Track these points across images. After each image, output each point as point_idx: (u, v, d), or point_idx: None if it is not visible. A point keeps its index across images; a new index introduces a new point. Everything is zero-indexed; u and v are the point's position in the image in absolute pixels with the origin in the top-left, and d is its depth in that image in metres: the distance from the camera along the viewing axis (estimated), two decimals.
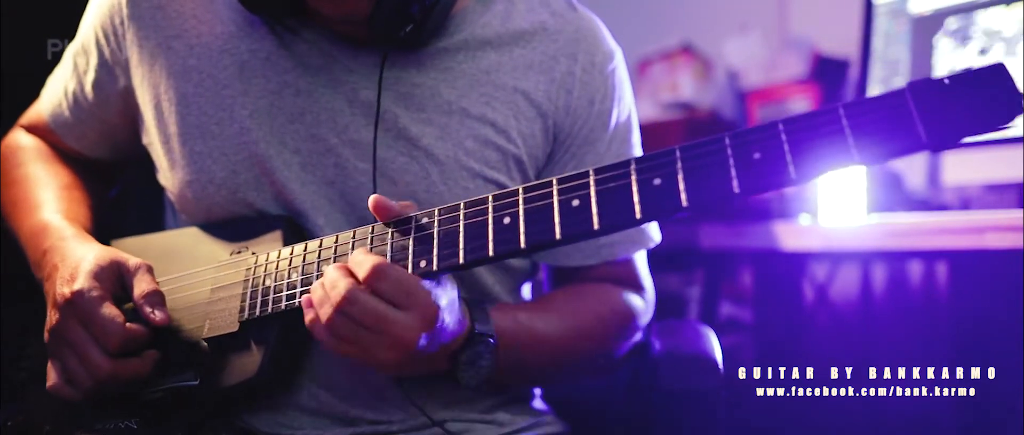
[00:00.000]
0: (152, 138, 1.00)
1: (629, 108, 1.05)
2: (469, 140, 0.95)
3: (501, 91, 0.96)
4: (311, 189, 0.94)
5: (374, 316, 0.76)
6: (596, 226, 0.71)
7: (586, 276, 1.04)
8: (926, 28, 1.61)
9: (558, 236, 0.72)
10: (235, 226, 0.95)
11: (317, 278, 0.83)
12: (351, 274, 0.77)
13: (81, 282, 0.86)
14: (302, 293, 0.84)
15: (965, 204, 1.66)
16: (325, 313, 0.77)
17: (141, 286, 0.89)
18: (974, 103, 0.61)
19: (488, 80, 0.96)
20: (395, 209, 0.80)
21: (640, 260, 1.07)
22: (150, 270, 0.91)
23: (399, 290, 0.76)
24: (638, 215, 0.69)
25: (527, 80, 0.97)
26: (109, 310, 0.85)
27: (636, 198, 0.69)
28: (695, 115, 2.23)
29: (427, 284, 0.78)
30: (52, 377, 0.89)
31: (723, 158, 0.67)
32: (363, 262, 0.77)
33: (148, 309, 0.87)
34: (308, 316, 0.79)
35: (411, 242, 0.79)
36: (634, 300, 1.04)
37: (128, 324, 0.85)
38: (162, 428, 0.90)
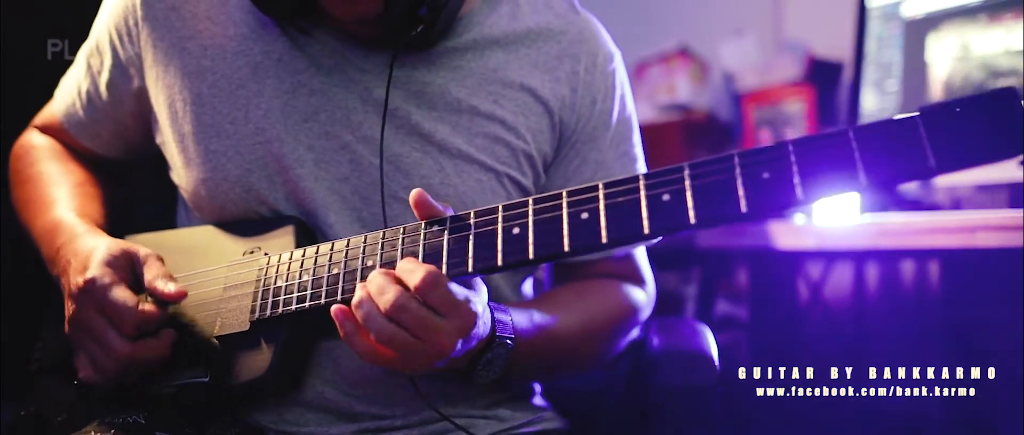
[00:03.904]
0: (166, 137, 1.01)
1: (629, 107, 1.07)
2: (479, 137, 0.97)
3: (508, 88, 0.98)
4: (324, 186, 0.95)
5: (422, 324, 0.75)
6: (604, 240, 0.71)
7: (589, 270, 1.05)
8: (919, 31, 1.63)
9: (566, 248, 0.72)
10: (248, 225, 0.97)
11: (337, 285, 0.84)
12: (399, 281, 0.76)
13: (93, 270, 0.87)
14: (313, 296, 0.85)
15: (956, 204, 1.68)
16: (373, 320, 0.75)
17: (152, 271, 0.90)
18: (985, 132, 0.59)
19: (496, 78, 0.98)
20: (437, 208, 0.80)
21: (640, 255, 1.09)
22: (160, 259, 0.92)
23: (447, 300, 0.75)
24: (646, 230, 0.69)
25: (533, 78, 0.99)
26: (122, 293, 0.86)
27: (645, 213, 0.69)
28: (691, 117, 2.25)
29: (468, 292, 0.77)
30: (81, 368, 0.91)
31: (731, 176, 0.66)
32: (415, 270, 0.76)
33: (160, 285, 0.88)
34: (345, 326, 0.78)
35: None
36: (638, 295, 1.06)
37: (141, 305, 0.86)
38: (171, 423, 0.90)
